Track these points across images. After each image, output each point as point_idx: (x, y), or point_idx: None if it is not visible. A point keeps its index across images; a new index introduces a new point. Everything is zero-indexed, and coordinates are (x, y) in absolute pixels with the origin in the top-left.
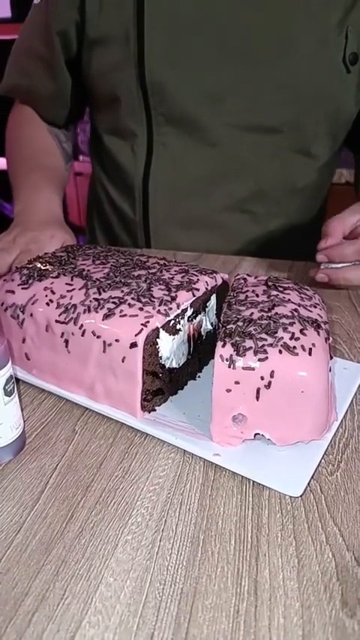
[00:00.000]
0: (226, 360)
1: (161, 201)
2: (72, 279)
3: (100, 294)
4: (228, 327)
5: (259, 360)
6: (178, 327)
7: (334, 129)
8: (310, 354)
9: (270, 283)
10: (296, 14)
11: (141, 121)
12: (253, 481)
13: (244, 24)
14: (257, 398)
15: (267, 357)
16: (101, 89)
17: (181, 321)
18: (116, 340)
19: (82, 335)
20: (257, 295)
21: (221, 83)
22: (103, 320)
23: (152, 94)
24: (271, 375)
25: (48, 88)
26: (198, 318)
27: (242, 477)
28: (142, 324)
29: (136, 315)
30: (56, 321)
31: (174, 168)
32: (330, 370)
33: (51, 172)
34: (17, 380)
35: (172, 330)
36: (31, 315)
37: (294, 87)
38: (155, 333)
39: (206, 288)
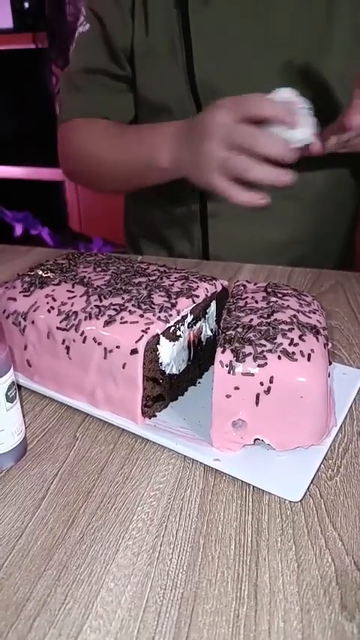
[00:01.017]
0: (226, 365)
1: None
2: (73, 287)
3: (100, 301)
4: (227, 333)
5: (259, 365)
6: (178, 333)
7: None
8: (309, 359)
9: (269, 290)
10: (333, 11)
11: None
12: (253, 486)
13: (288, 21)
14: (257, 403)
15: (266, 363)
16: (153, 100)
17: (181, 328)
18: (117, 347)
19: (83, 342)
20: (256, 301)
21: (268, 78)
22: (103, 327)
23: (204, 97)
24: (271, 381)
25: (117, 98)
26: (198, 325)
27: (242, 482)
28: (142, 331)
29: (137, 322)
30: (57, 328)
31: None
32: (329, 376)
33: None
34: (19, 386)
35: (173, 337)
36: (33, 322)
37: (332, 79)
38: (155, 339)
39: (206, 295)
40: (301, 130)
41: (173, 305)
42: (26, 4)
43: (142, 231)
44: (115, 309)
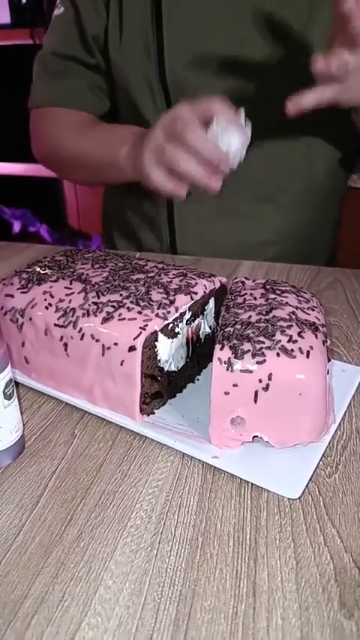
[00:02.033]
0: (225, 362)
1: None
2: (71, 283)
3: (98, 297)
4: (226, 330)
5: (257, 362)
6: (176, 330)
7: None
8: (307, 356)
9: (268, 286)
10: (313, 11)
11: None
12: (252, 483)
13: (267, 19)
14: (255, 400)
15: (265, 360)
16: (127, 92)
17: (180, 325)
18: (115, 344)
19: (81, 339)
20: (255, 298)
21: (241, 76)
22: (101, 324)
23: (173, 90)
24: (269, 378)
25: (89, 88)
26: (196, 322)
27: (241, 479)
28: (140, 328)
29: (135, 319)
30: (55, 325)
31: None
32: (328, 373)
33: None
34: (16, 384)
35: (171, 334)
36: (30, 319)
37: (312, 80)
38: (154, 336)
39: (204, 292)
40: (233, 141)
41: (171, 302)
42: (24, 0)
43: (115, 227)
44: (113, 306)
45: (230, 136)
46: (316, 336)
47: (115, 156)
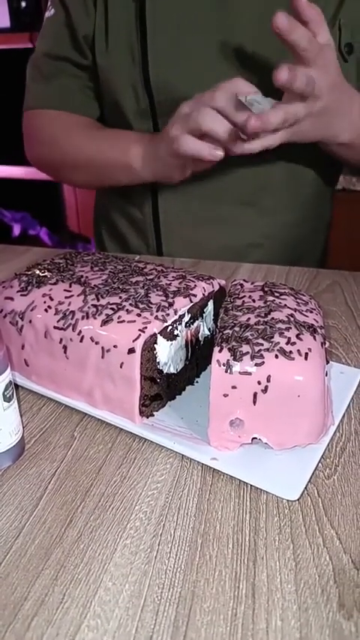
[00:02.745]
0: (223, 365)
1: (170, 199)
2: (70, 286)
3: (98, 300)
4: (225, 332)
5: (256, 364)
6: (175, 332)
7: None
8: (306, 358)
9: (266, 289)
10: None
11: (148, 124)
12: (251, 485)
13: (246, 21)
14: (254, 402)
15: (263, 362)
16: (109, 96)
17: (179, 327)
18: (114, 346)
19: (81, 341)
20: (254, 300)
21: (225, 78)
22: (101, 326)
23: (157, 94)
24: (268, 380)
25: (81, 89)
26: (195, 324)
27: (240, 481)
28: (139, 330)
29: (134, 321)
30: (55, 328)
31: None
32: (326, 374)
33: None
34: (16, 386)
35: (170, 336)
36: (30, 321)
37: None
38: (153, 338)
39: (203, 294)
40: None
41: (170, 304)
42: (23, 4)
43: (104, 228)
44: (112, 309)
45: (261, 105)
46: (315, 338)
47: (126, 156)
